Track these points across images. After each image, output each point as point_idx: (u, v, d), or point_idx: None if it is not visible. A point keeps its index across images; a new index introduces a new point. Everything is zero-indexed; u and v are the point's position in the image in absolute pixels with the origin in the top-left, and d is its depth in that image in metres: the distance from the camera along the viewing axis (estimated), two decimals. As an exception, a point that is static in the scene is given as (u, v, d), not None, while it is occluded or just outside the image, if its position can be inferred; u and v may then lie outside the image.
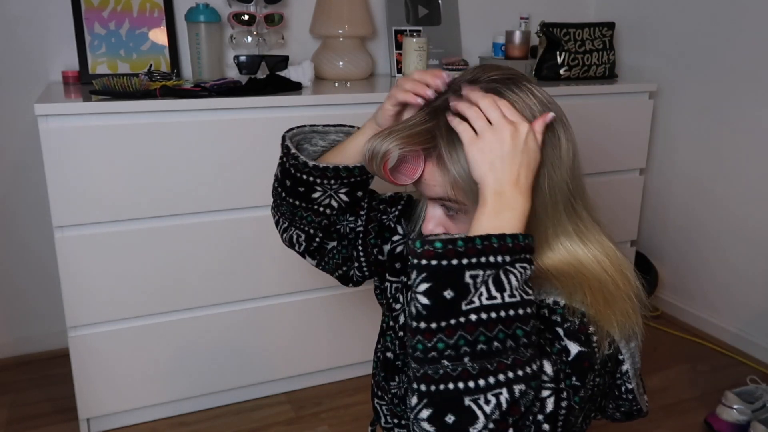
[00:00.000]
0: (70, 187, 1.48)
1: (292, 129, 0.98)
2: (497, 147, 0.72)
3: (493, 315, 0.66)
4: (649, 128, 2.21)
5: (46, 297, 2.02)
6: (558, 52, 2.13)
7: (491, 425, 0.64)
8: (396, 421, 0.99)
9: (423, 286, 0.66)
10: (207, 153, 1.59)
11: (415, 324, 0.67)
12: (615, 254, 0.81)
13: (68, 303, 1.55)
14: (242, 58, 1.87)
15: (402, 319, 0.97)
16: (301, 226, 0.97)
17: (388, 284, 1.00)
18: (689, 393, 1.91)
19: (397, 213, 0.99)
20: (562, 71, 2.13)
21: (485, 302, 0.66)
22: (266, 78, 1.73)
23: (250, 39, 1.97)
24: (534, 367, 0.66)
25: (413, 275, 0.68)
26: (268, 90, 1.67)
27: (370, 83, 2.02)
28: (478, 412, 0.64)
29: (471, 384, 0.64)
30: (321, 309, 1.82)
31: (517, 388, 0.65)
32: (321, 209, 0.94)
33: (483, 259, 0.67)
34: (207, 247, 1.65)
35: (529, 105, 0.77)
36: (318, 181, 0.92)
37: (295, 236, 0.98)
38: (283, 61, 1.87)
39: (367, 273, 1.01)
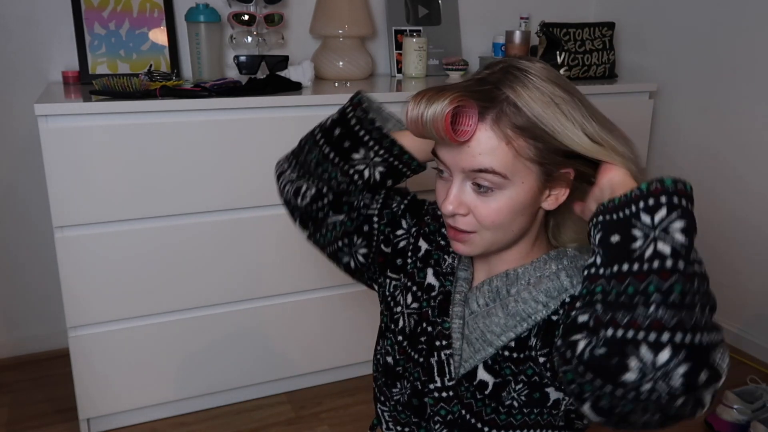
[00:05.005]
0: (70, 187, 1.48)
1: (364, 92, 0.97)
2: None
3: (703, 269, 0.66)
4: (649, 128, 2.21)
5: (46, 297, 2.02)
6: (558, 52, 2.13)
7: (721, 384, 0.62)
8: (399, 428, 0.96)
9: (680, 224, 0.65)
10: (207, 153, 1.59)
11: (671, 263, 0.63)
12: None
13: (68, 303, 1.55)
14: (242, 58, 1.87)
15: (401, 323, 0.94)
16: (317, 181, 0.93)
17: (388, 281, 0.97)
18: (689, 393, 1.91)
19: (404, 205, 0.97)
20: (562, 71, 2.13)
21: (699, 256, 0.66)
22: (266, 78, 1.73)
23: (250, 39, 1.97)
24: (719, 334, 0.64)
25: (662, 211, 0.65)
26: (268, 90, 1.67)
27: (370, 83, 2.02)
28: (720, 370, 0.61)
29: (715, 337, 0.61)
30: (321, 309, 1.82)
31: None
32: (351, 172, 0.92)
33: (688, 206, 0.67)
34: (206, 247, 1.65)
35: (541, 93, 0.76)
36: (370, 143, 0.91)
37: (304, 188, 0.94)
38: (283, 61, 1.87)
39: (369, 259, 0.97)
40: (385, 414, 0.98)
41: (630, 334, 0.61)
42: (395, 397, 0.94)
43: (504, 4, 2.38)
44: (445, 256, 0.93)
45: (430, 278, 0.92)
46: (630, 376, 0.60)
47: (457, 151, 0.77)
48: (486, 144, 0.75)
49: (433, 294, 0.91)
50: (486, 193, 0.77)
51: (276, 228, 1.69)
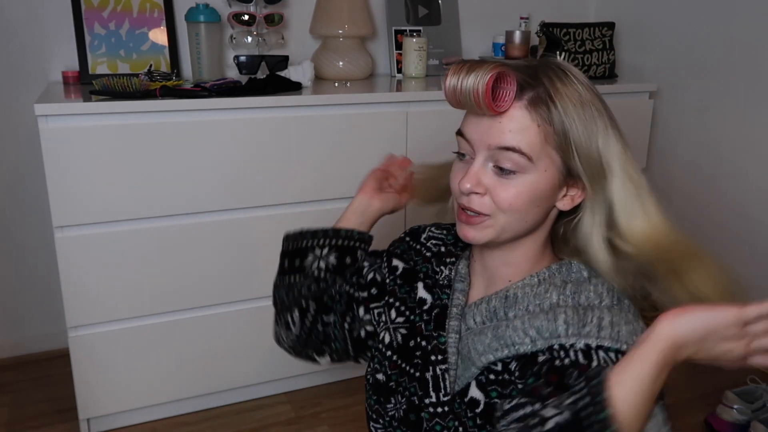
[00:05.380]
0: (70, 187, 1.48)
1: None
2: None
3: None
4: (649, 128, 2.21)
5: (46, 297, 2.02)
6: (558, 52, 2.13)
7: None
8: None
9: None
10: (207, 153, 1.59)
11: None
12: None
13: (68, 303, 1.55)
14: (242, 58, 1.87)
15: (387, 339, 0.93)
16: (295, 304, 0.98)
17: (374, 311, 0.97)
18: (689, 393, 1.91)
19: (364, 256, 1.00)
20: (562, 71, 2.13)
21: None
22: (266, 78, 1.73)
23: (250, 39, 1.97)
24: None
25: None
26: (268, 90, 1.67)
27: (370, 83, 2.02)
28: None
29: None
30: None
31: None
32: (312, 274, 0.97)
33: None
34: (207, 247, 1.65)
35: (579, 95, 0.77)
36: (313, 244, 0.97)
37: (288, 317, 0.98)
38: (283, 61, 1.87)
39: (371, 328, 0.98)
40: (380, 431, 0.96)
41: None
42: (390, 413, 0.93)
43: (504, 4, 2.38)
44: (440, 268, 0.92)
45: (422, 292, 0.91)
46: None
47: (487, 126, 0.76)
48: (518, 122, 0.75)
49: (426, 308, 0.90)
50: (507, 175, 0.76)
51: (276, 228, 1.68)
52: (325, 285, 0.97)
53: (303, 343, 1.00)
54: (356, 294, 0.97)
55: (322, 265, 0.97)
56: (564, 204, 0.80)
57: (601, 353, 0.74)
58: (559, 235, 0.86)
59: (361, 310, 0.97)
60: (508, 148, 0.75)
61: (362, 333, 0.98)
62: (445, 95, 0.77)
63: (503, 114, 0.75)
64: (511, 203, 0.77)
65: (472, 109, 0.76)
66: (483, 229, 0.80)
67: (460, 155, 0.81)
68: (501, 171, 0.76)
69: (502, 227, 0.79)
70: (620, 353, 0.73)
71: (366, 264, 0.99)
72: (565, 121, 0.75)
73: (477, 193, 0.78)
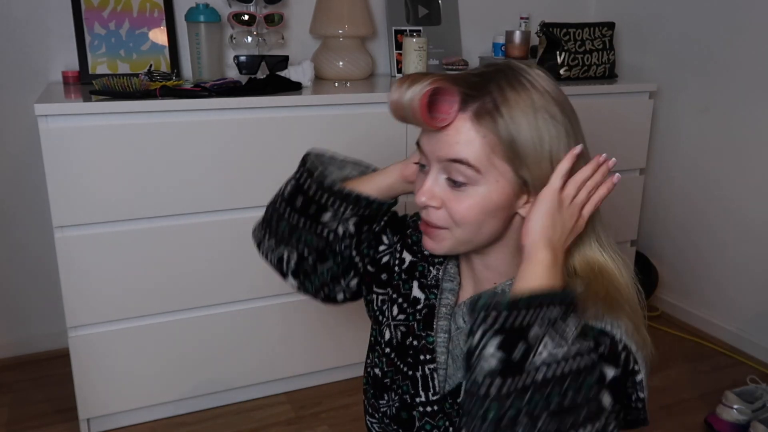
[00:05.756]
0: (70, 187, 1.48)
1: (312, 150, 0.96)
2: (557, 212, 0.75)
3: (561, 370, 0.65)
4: (649, 128, 2.21)
5: (46, 297, 2.02)
6: (558, 52, 2.13)
7: None
8: None
9: (494, 341, 0.65)
10: (207, 153, 1.59)
11: (486, 387, 0.65)
12: (626, 260, 0.81)
13: (68, 303, 1.55)
14: (242, 58, 1.87)
15: (388, 335, 0.93)
16: (297, 247, 0.93)
17: (374, 296, 0.96)
18: (689, 393, 1.91)
19: (384, 222, 0.96)
20: (562, 71, 2.13)
21: (549, 359, 0.65)
22: (266, 78, 1.73)
23: (250, 39, 1.97)
24: (602, 420, 0.66)
25: (478, 334, 0.67)
26: (268, 90, 1.67)
27: (370, 83, 2.02)
28: None
29: None
30: (321, 309, 1.82)
31: None
32: (325, 233, 0.91)
33: (543, 314, 0.67)
34: (207, 247, 1.65)
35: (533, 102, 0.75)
36: (335, 204, 0.89)
37: (285, 256, 0.94)
38: (283, 61, 1.87)
39: (360, 285, 0.97)
40: (375, 426, 0.97)
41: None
42: (382, 409, 0.93)
43: (504, 4, 2.38)
44: (430, 268, 0.91)
45: (416, 291, 0.91)
46: None
47: (436, 139, 0.76)
48: (464, 134, 0.74)
49: (419, 307, 0.90)
50: (460, 188, 0.76)
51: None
52: (332, 243, 0.93)
53: (288, 275, 0.97)
54: (360, 266, 0.95)
55: (340, 230, 0.91)
56: (526, 211, 0.79)
57: (591, 333, 0.74)
58: None
59: (354, 281, 0.96)
60: (455, 160, 0.75)
61: (339, 296, 0.97)
62: (390, 110, 0.76)
63: (449, 126, 0.75)
64: (463, 216, 0.77)
65: (415, 124, 0.76)
66: (441, 241, 0.80)
67: (421, 165, 0.81)
68: (454, 183, 0.76)
69: (458, 239, 0.79)
70: (605, 334, 0.73)
71: (385, 241, 0.95)
72: (513, 130, 0.73)
73: (433, 206, 0.78)
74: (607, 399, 0.67)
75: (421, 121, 0.74)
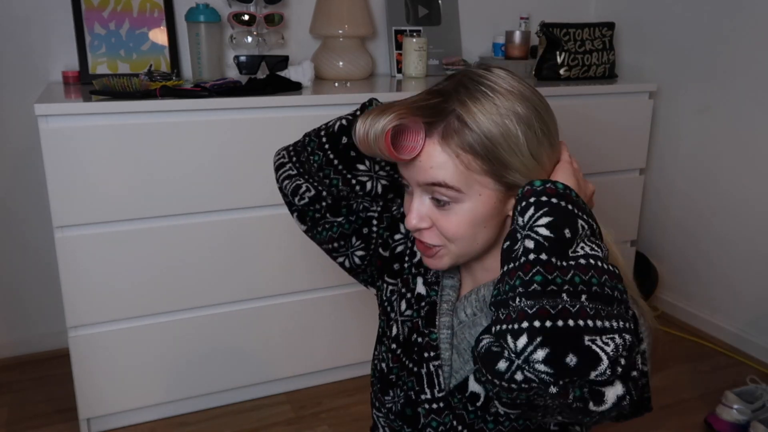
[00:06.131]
0: (70, 187, 1.48)
1: (375, 100, 0.94)
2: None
3: (600, 264, 0.66)
4: (649, 128, 2.21)
5: (46, 297, 2.02)
6: (558, 52, 2.13)
7: (610, 370, 0.61)
8: None
9: (545, 219, 0.67)
10: (207, 153, 1.59)
11: (533, 256, 0.65)
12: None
13: (68, 303, 1.55)
14: (242, 58, 1.87)
15: (395, 330, 0.93)
16: (317, 184, 0.92)
17: (385, 285, 0.97)
18: (689, 393, 1.91)
19: (403, 210, 0.95)
20: (562, 71, 2.13)
21: (590, 252, 0.67)
22: (266, 78, 1.73)
23: (250, 39, 1.97)
24: (631, 323, 0.65)
25: (530, 210, 0.68)
26: (268, 90, 1.67)
27: (370, 83, 2.02)
28: (601, 354, 0.61)
29: (590, 323, 0.62)
30: (321, 309, 1.82)
31: (627, 338, 0.63)
32: (353, 182, 0.90)
33: (586, 216, 0.70)
34: (207, 247, 1.65)
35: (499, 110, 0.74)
36: (374, 158, 0.88)
37: (303, 188, 0.93)
38: (283, 61, 1.87)
39: (366, 261, 0.97)
40: (381, 420, 0.97)
41: (504, 326, 0.64)
42: (387, 405, 0.94)
43: (504, 4, 2.38)
44: None
45: (420, 287, 0.92)
46: (501, 365, 0.63)
47: (411, 166, 0.77)
48: (436, 158, 0.74)
49: (422, 304, 0.91)
50: (444, 206, 0.77)
51: (276, 228, 1.69)
52: (353, 196, 0.92)
53: (298, 209, 0.96)
54: (374, 237, 0.95)
55: (369, 185, 0.90)
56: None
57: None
58: None
59: (360, 252, 0.96)
60: (434, 184, 0.75)
61: (339, 260, 0.98)
62: (357, 145, 0.77)
63: (420, 154, 0.75)
64: (454, 232, 0.78)
65: (385, 159, 0.77)
66: (440, 258, 0.81)
67: (405, 186, 0.82)
68: (438, 202, 0.77)
69: (455, 254, 0.80)
70: None
71: (402, 230, 0.95)
72: (485, 141, 0.73)
73: (424, 227, 0.79)
74: (631, 314, 0.68)
75: (389, 159, 0.74)
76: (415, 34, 2.15)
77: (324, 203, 0.93)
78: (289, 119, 1.65)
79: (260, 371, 1.81)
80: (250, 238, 1.68)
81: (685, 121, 2.25)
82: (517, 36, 2.18)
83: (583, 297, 0.63)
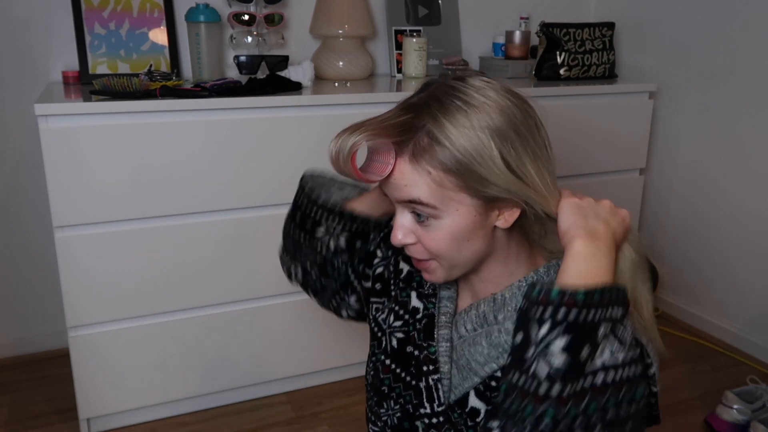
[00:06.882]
0: (70, 187, 1.48)
1: (313, 170, 1.01)
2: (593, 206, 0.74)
3: (618, 376, 0.62)
4: (649, 128, 2.21)
5: (46, 297, 2.02)
6: (558, 52, 2.13)
7: None
8: None
9: (562, 341, 0.62)
10: (207, 153, 1.59)
11: (545, 388, 0.62)
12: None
13: (68, 303, 1.55)
14: (242, 58, 1.87)
15: (384, 343, 0.94)
16: (301, 261, 0.98)
17: (371, 305, 0.97)
18: (689, 393, 1.91)
19: (379, 238, 0.97)
20: (562, 71, 2.13)
21: (609, 360, 0.62)
22: (266, 78, 1.73)
23: (250, 39, 1.97)
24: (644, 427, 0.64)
25: (545, 328, 0.63)
26: (268, 90, 1.67)
27: (370, 83, 2.02)
28: None
29: None
30: (321, 309, 1.81)
31: None
32: (318, 247, 0.95)
33: (609, 314, 0.64)
34: (207, 247, 1.65)
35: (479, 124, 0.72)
36: (327, 219, 0.93)
37: (293, 270, 1.01)
38: (283, 61, 1.87)
39: (360, 302, 1.00)
40: None
41: None
42: (383, 418, 0.93)
43: (504, 4, 2.38)
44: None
45: (414, 301, 0.91)
46: None
47: (389, 183, 0.76)
48: (408, 177, 0.73)
49: (418, 317, 0.90)
50: (425, 222, 0.76)
51: (276, 228, 1.67)
52: (330, 258, 0.96)
53: (306, 288, 1.04)
54: (356, 283, 0.98)
55: (332, 245, 0.94)
56: (502, 223, 0.77)
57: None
58: (536, 239, 0.86)
59: (353, 298, 1.00)
60: (411, 201, 0.74)
61: (343, 312, 1.03)
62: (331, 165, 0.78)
63: (393, 172, 0.74)
64: (438, 248, 0.77)
65: (357, 179, 0.77)
66: (433, 271, 0.81)
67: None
68: (419, 217, 0.76)
69: (447, 267, 0.79)
70: None
71: (379, 255, 0.96)
72: (458, 156, 0.71)
73: (410, 243, 0.79)
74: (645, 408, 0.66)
75: (359, 181, 0.75)
76: (415, 34, 2.15)
77: (313, 274, 0.98)
78: (289, 119, 1.65)
79: (260, 371, 1.81)
80: (250, 238, 1.68)
81: (685, 121, 2.25)
82: (517, 36, 2.18)
83: (598, 428, 0.61)
